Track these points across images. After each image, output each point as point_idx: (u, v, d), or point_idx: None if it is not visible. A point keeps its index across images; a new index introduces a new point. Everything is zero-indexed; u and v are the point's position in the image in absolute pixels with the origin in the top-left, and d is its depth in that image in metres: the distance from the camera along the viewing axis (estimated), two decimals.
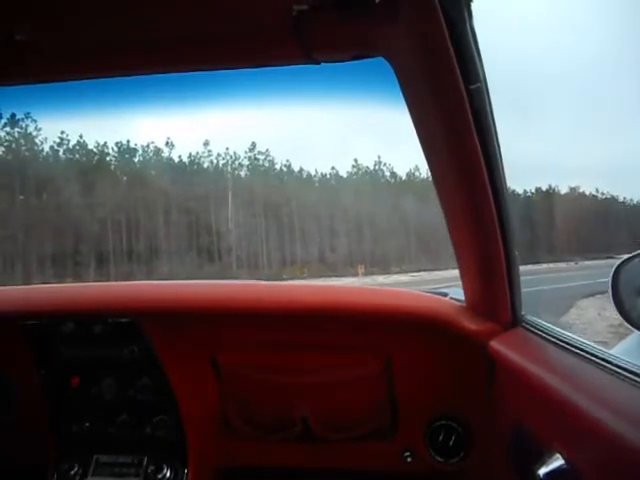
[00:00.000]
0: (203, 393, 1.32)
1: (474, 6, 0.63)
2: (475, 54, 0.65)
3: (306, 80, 0.88)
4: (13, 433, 1.37)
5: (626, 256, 1.21)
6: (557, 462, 0.72)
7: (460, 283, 1.12)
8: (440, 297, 1.27)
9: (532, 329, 0.99)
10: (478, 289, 1.06)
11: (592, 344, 0.85)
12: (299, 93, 0.98)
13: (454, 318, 1.13)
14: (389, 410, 1.26)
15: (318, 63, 0.75)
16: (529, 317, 1.03)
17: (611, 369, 0.74)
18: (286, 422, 1.29)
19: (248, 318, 1.26)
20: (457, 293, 1.21)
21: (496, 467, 1.07)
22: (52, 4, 0.68)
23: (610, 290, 1.19)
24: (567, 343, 0.88)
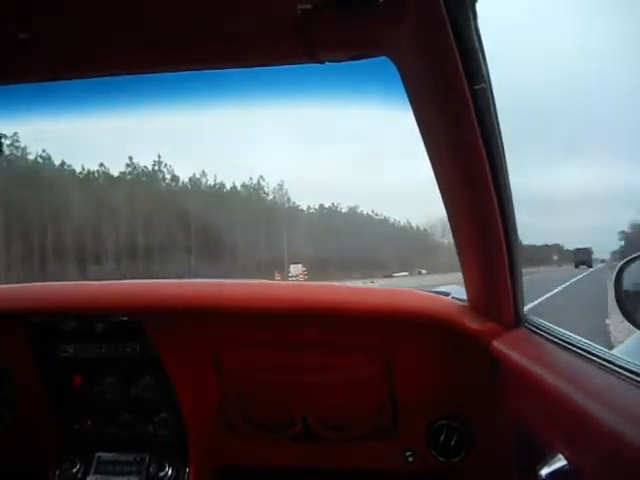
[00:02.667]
0: (204, 392, 1.32)
1: (478, 6, 0.63)
2: (479, 54, 0.65)
3: (308, 80, 0.88)
4: (15, 431, 1.37)
5: (629, 257, 1.21)
6: (559, 462, 0.72)
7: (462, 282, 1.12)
8: (442, 297, 1.27)
9: (534, 329, 0.99)
10: (480, 289, 1.06)
11: (594, 345, 0.85)
12: (302, 93, 0.98)
13: (456, 318, 1.13)
14: (390, 410, 1.26)
15: (322, 62, 0.75)
16: (531, 317, 1.03)
17: (614, 370, 0.74)
18: (287, 421, 1.30)
19: (249, 317, 1.26)
20: (459, 293, 1.21)
21: (498, 467, 1.07)
22: (56, 3, 0.68)
23: (613, 290, 1.19)
24: (569, 343, 0.88)
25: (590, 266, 18.90)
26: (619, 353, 0.91)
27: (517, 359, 0.91)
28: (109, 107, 1.05)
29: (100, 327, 1.31)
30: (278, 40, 0.74)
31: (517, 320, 1.01)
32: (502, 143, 0.77)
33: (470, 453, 1.21)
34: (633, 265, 1.19)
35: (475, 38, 0.64)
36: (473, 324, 1.07)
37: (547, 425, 0.81)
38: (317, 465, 1.36)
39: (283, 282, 1.51)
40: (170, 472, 1.33)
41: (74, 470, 1.34)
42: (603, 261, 19.50)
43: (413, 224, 30.48)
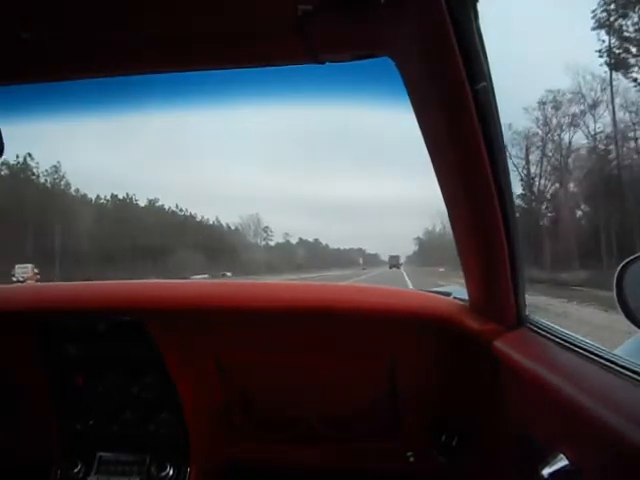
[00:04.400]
0: (206, 392, 1.33)
1: (480, 6, 0.63)
2: (481, 54, 0.65)
3: (309, 80, 0.88)
4: (18, 431, 1.37)
5: (631, 257, 1.20)
6: (561, 462, 0.71)
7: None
8: (443, 297, 1.27)
9: (536, 329, 0.98)
10: (482, 289, 1.06)
11: (597, 345, 0.85)
12: (302, 93, 0.98)
13: (458, 318, 1.12)
14: (392, 410, 1.26)
15: (323, 63, 0.75)
16: (533, 317, 1.03)
17: (616, 370, 0.74)
18: (289, 421, 1.30)
19: (251, 317, 1.26)
20: (460, 293, 1.21)
21: (500, 467, 1.07)
22: (56, 3, 0.68)
23: (615, 290, 1.18)
24: (572, 344, 0.87)
25: (398, 267, 29.91)
26: (621, 353, 0.91)
27: (519, 359, 0.91)
28: (109, 107, 1.05)
29: (102, 327, 1.31)
30: (279, 41, 0.74)
31: (519, 320, 1.01)
32: (503, 142, 0.77)
33: (471, 453, 1.20)
34: (633, 266, 1.19)
35: (476, 37, 0.64)
36: (474, 324, 1.07)
37: (549, 425, 0.81)
38: (319, 465, 1.36)
39: (287, 282, 1.51)
40: (171, 472, 1.33)
41: (75, 470, 1.34)
42: (401, 264, 30.94)
43: (223, 222, 29.02)
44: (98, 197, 24.38)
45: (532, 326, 1.00)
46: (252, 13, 0.69)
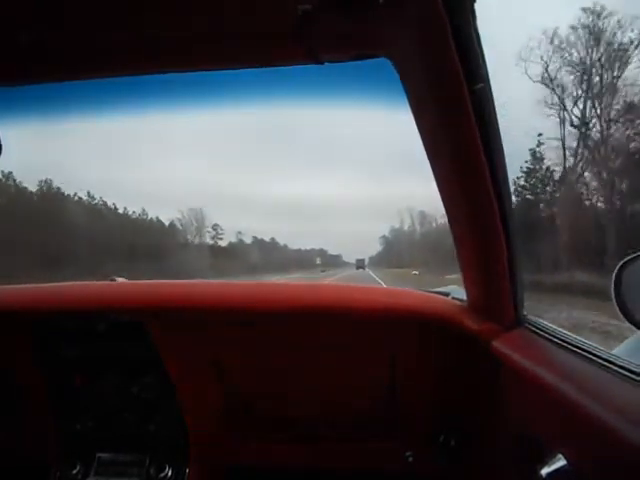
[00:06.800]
0: (205, 392, 1.33)
1: (477, 6, 0.63)
2: (479, 54, 0.66)
3: (308, 80, 0.88)
4: (17, 431, 1.37)
5: (629, 257, 1.20)
6: (560, 462, 0.72)
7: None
8: (441, 297, 1.27)
9: (535, 329, 0.99)
10: (480, 289, 1.06)
11: (595, 345, 0.85)
12: (301, 93, 0.98)
13: (456, 318, 1.13)
14: (392, 410, 1.27)
15: (322, 63, 0.75)
16: (532, 317, 1.03)
17: (614, 370, 0.75)
18: (288, 422, 1.30)
19: (251, 317, 1.26)
20: (459, 293, 1.21)
21: (498, 467, 1.07)
22: (56, 3, 0.68)
23: (613, 290, 1.18)
24: (570, 344, 0.88)
25: (364, 269, 33.63)
26: (619, 353, 0.91)
27: (517, 359, 0.91)
28: (109, 107, 1.05)
29: (101, 327, 1.31)
30: (278, 41, 0.74)
31: (517, 320, 1.01)
32: (501, 143, 0.77)
33: (470, 453, 1.21)
34: (631, 266, 1.19)
35: (474, 38, 0.64)
36: (473, 324, 1.07)
37: (547, 425, 0.81)
38: (318, 465, 1.36)
39: (284, 282, 1.51)
40: (170, 473, 1.33)
41: (74, 471, 1.34)
42: (365, 266, 34.90)
43: (153, 216, 23.98)
44: None
45: (530, 326, 1.01)
46: (252, 13, 0.69)
